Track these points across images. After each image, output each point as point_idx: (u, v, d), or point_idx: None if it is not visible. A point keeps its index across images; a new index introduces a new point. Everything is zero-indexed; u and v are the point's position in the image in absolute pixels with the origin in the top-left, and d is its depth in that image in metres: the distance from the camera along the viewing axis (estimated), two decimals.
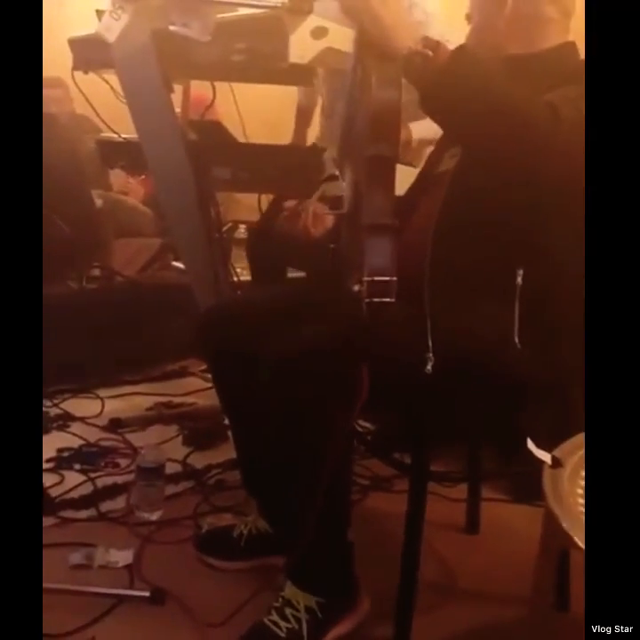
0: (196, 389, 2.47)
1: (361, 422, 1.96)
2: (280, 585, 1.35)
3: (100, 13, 1.76)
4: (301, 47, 1.59)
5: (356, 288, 1.08)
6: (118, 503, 1.75)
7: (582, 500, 0.95)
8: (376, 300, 1.06)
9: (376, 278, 1.07)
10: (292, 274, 2.47)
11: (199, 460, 1.98)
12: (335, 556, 1.33)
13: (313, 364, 1.16)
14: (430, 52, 1.11)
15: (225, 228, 2.58)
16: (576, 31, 1.38)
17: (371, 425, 1.97)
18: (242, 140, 2.26)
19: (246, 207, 2.71)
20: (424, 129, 2.12)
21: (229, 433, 1.84)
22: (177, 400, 2.38)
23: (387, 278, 1.07)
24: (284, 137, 2.59)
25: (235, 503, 1.75)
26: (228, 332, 1.43)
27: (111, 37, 1.70)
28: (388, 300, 1.07)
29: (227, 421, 1.82)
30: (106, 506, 1.74)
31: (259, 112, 2.54)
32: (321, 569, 1.31)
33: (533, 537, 1.06)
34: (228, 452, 1.87)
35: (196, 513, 1.72)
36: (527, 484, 1.67)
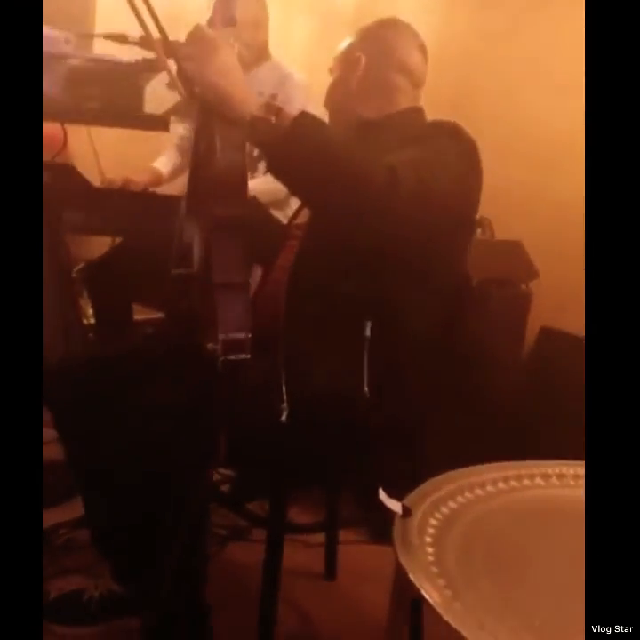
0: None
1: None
2: None
3: None
4: (156, 97, 1.59)
5: (211, 346, 1.08)
6: None
7: (431, 550, 0.98)
8: (231, 357, 1.06)
9: (230, 336, 1.07)
10: (141, 316, 2.43)
11: (45, 519, 1.86)
12: (193, 618, 1.30)
13: (169, 426, 1.15)
14: (273, 118, 1.14)
15: (76, 269, 2.50)
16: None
17: (229, 471, 1.96)
18: (97, 180, 2.21)
19: (99, 245, 2.63)
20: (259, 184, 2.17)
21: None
22: None
23: (241, 335, 1.08)
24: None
25: (85, 564, 1.66)
26: (81, 388, 1.37)
27: None
28: (243, 356, 1.07)
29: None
30: None
31: (116, 153, 2.48)
32: (178, 632, 1.28)
33: (389, 578, 1.08)
34: (75, 509, 1.78)
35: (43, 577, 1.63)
36: (383, 525, 1.71)
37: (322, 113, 1.54)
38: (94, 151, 2.27)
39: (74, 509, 1.82)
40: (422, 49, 1.46)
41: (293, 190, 1.26)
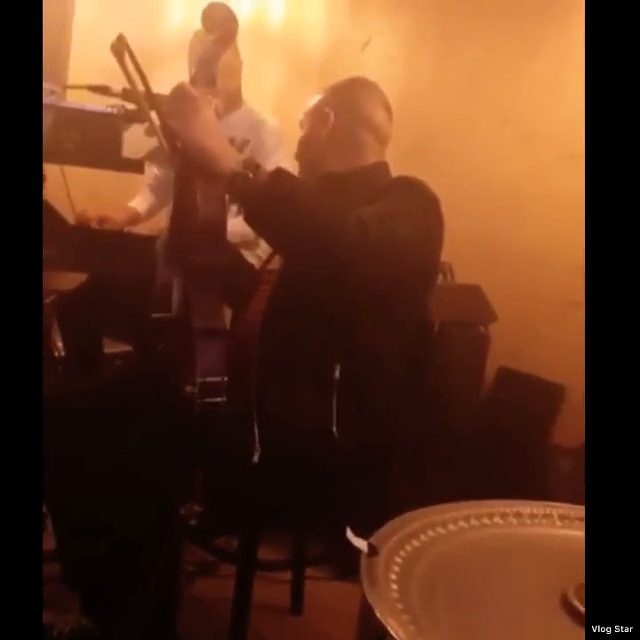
0: None
1: None
2: None
3: None
4: (135, 143, 1.65)
5: (189, 389, 1.13)
6: None
7: (396, 587, 1.03)
8: (209, 400, 1.11)
9: (208, 379, 1.12)
10: (110, 350, 2.45)
11: None
12: None
13: (145, 463, 1.19)
14: (251, 174, 1.20)
15: (47, 301, 2.52)
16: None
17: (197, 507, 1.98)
18: (69, 216, 2.24)
19: (69, 277, 2.65)
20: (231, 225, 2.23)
21: (48, 522, 1.76)
22: None
23: (218, 379, 1.13)
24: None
25: (53, 598, 1.67)
26: (53, 423, 1.39)
27: None
28: (219, 399, 1.12)
29: (45, 509, 1.75)
30: None
31: (88, 191, 2.52)
32: None
33: (354, 613, 1.12)
34: (45, 542, 1.77)
35: None
36: (348, 563, 1.75)
37: (292, 158, 1.62)
38: (67, 188, 2.30)
39: (44, 542, 1.81)
40: (387, 107, 1.56)
41: (269, 241, 1.33)
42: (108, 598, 1.32)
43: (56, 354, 2.42)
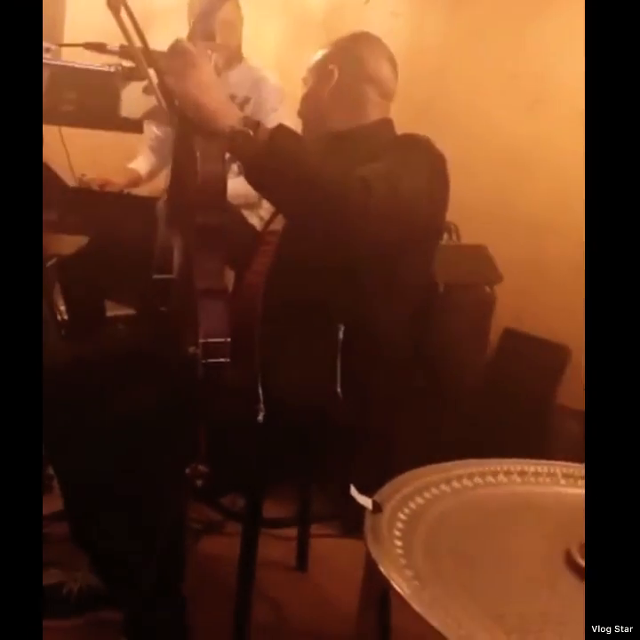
0: None
1: None
2: None
3: None
4: (133, 102, 1.62)
5: (192, 350, 1.12)
6: None
7: (400, 543, 1.04)
8: (212, 360, 1.11)
9: (211, 340, 1.12)
10: (112, 312, 2.45)
11: None
12: (170, 612, 1.34)
13: (150, 424, 1.19)
14: (251, 131, 1.18)
15: (48, 264, 2.51)
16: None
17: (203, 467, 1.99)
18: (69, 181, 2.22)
19: (70, 240, 2.63)
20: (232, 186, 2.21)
21: (55, 483, 1.78)
22: None
23: (221, 339, 1.12)
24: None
25: (62, 557, 1.69)
26: (61, 387, 1.40)
27: None
28: (223, 360, 1.12)
29: (51, 471, 1.77)
30: None
31: (87, 158, 2.48)
32: (156, 626, 1.32)
33: (359, 571, 1.13)
34: (53, 503, 1.80)
35: None
36: (354, 520, 1.76)
37: (294, 115, 1.60)
38: (66, 152, 2.27)
39: (52, 502, 1.84)
40: (392, 62, 1.52)
41: (270, 200, 1.31)
42: (114, 557, 1.34)
43: (59, 317, 2.42)
